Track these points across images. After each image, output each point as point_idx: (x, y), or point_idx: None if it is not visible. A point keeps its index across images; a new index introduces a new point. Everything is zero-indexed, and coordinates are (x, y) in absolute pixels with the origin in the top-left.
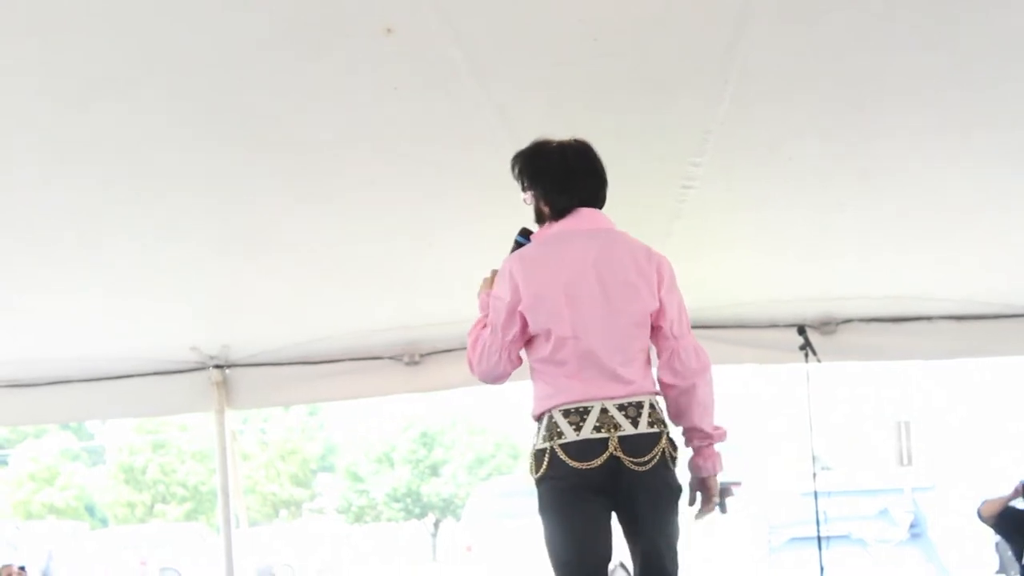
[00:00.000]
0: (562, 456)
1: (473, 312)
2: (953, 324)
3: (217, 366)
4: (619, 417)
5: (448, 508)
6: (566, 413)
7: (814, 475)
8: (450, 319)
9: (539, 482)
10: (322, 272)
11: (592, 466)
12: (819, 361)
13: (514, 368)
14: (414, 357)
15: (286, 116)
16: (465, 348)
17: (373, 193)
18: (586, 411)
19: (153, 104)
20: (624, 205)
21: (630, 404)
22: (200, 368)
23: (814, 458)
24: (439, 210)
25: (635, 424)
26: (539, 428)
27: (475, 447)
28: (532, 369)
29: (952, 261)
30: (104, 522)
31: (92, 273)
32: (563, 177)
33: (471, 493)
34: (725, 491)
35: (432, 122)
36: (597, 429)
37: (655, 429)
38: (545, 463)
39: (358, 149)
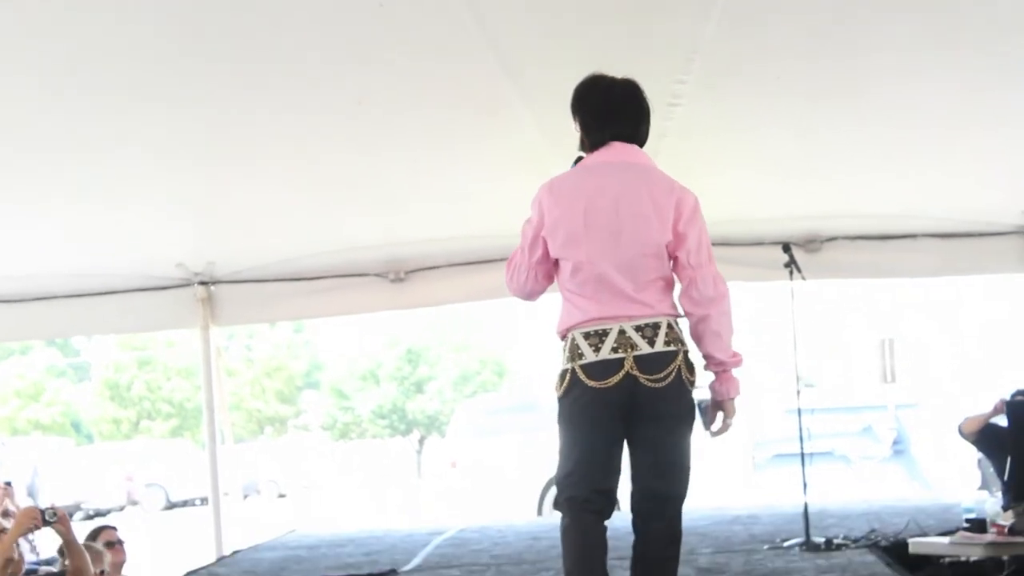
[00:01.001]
0: (581, 376)
1: (458, 229)
2: (937, 242)
3: (202, 282)
4: (636, 337)
5: (433, 425)
6: (586, 335)
7: (798, 392)
8: (435, 236)
9: (560, 399)
10: (308, 189)
11: (609, 384)
12: (804, 279)
13: (543, 288)
14: (399, 274)
15: (272, 32)
16: (451, 265)
17: (360, 111)
18: (605, 333)
19: (140, 19)
20: None
21: (647, 325)
22: (185, 284)
23: (798, 375)
24: (426, 128)
25: (651, 344)
26: (563, 348)
27: (460, 364)
28: (560, 291)
29: (937, 179)
30: (90, 438)
31: (78, 189)
32: (603, 112)
33: (456, 410)
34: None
35: (419, 39)
36: (615, 350)
37: (671, 348)
38: (567, 382)
39: (345, 66)
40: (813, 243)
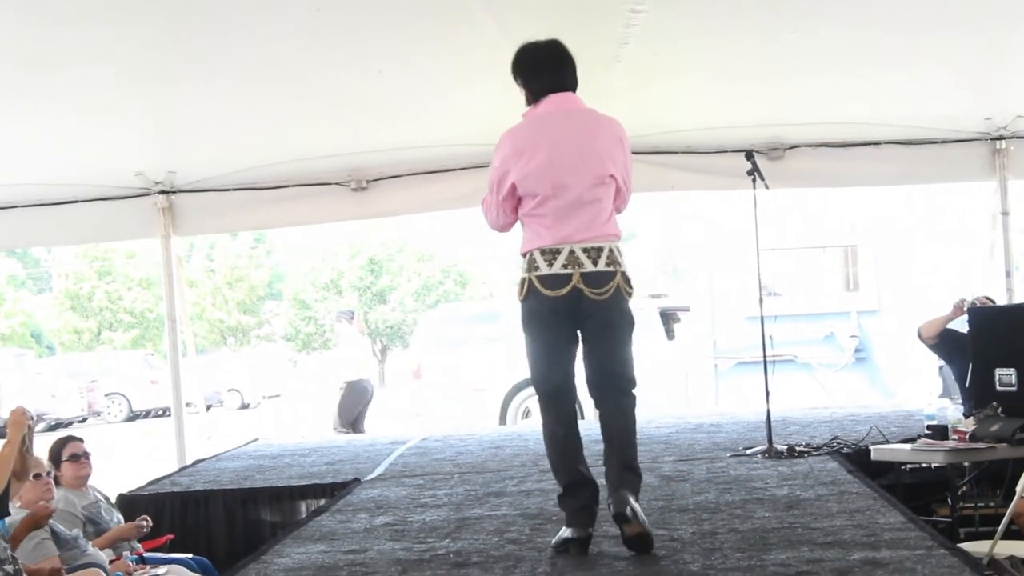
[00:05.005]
0: (537, 285)
1: (420, 138)
2: (900, 149)
3: (163, 192)
4: (583, 257)
5: (395, 335)
6: (543, 252)
7: (760, 300)
8: (397, 145)
9: (522, 303)
10: (269, 98)
11: (559, 294)
12: (767, 187)
13: (513, 220)
14: (361, 183)
15: None
16: (413, 174)
17: (321, 18)
18: (557, 251)
19: None
20: (572, 31)
21: (592, 248)
22: (145, 194)
23: (760, 283)
24: (387, 35)
25: (595, 263)
26: (523, 262)
27: (422, 274)
28: (522, 219)
29: (900, 85)
30: (51, 349)
31: (36, 98)
32: (535, 67)
33: (418, 320)
34: (672, 317)
35: None
36: (564, 266)
37: (611, 268)
38: (525, 289)
39: None
40: (776, 151)
